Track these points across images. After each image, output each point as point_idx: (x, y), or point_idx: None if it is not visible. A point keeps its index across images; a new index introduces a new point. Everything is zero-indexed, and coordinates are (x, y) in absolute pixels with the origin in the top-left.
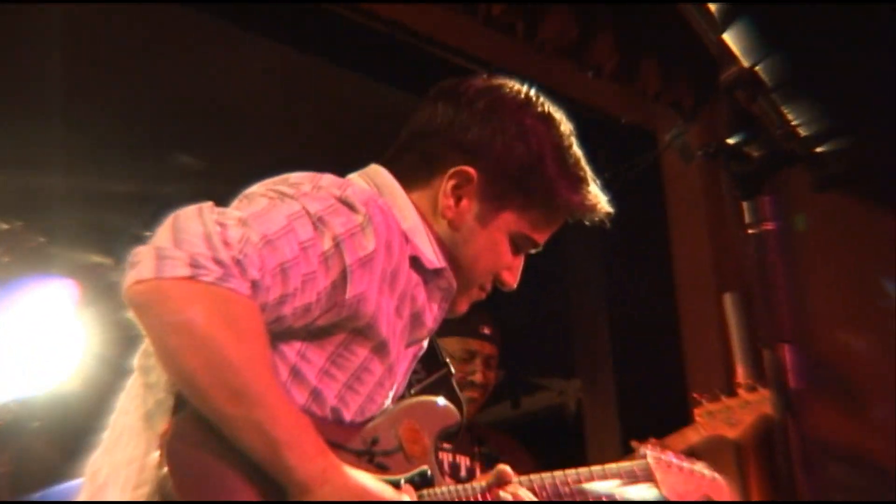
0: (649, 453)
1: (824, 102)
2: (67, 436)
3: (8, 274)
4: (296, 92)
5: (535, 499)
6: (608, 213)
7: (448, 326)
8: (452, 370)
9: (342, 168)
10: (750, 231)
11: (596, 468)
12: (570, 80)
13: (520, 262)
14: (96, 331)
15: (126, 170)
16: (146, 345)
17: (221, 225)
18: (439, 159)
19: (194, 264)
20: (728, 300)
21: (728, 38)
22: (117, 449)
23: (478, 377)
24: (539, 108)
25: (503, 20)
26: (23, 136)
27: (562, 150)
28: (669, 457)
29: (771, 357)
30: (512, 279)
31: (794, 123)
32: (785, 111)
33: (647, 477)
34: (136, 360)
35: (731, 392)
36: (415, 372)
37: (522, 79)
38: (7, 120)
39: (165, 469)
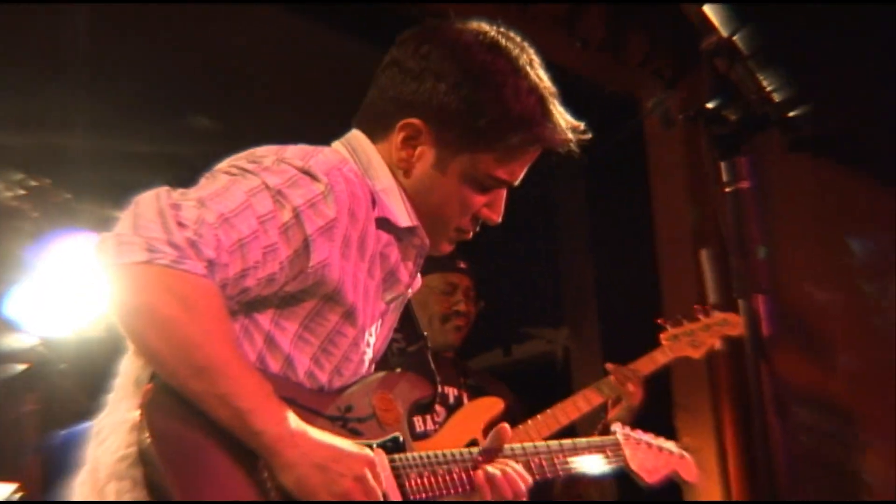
0: (619, 431)
1: (794, 70)
2: (92, 377)
3: (37, 228)
4: (308, 56)
5: (524, 475)
6: (574, 129)
7: (428, 264)
8: (429, 343)
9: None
10: (727, 189)
11: (567, 443)
12: (559, 50)
13: (499, 198)
14: None
15: (146, 130)
16: None
17: (176, 207)
18: (389, 115)
19: (150, 248)
20: (704, 255)
21: (708, 9)
22: (116, 410)
23: (461, 307)
24: (484, 46)
25: None
26: (50, 99)
27: (510, 86)
28: (639, 434)
29: (745, 307)
30: (494, 215)
31: (768, 89)
32: (760, 78)
33: (617, 453)
34: None
35: (692, 317)
36: (394, 340)
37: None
38: (35, 83)
39: (146, 433)
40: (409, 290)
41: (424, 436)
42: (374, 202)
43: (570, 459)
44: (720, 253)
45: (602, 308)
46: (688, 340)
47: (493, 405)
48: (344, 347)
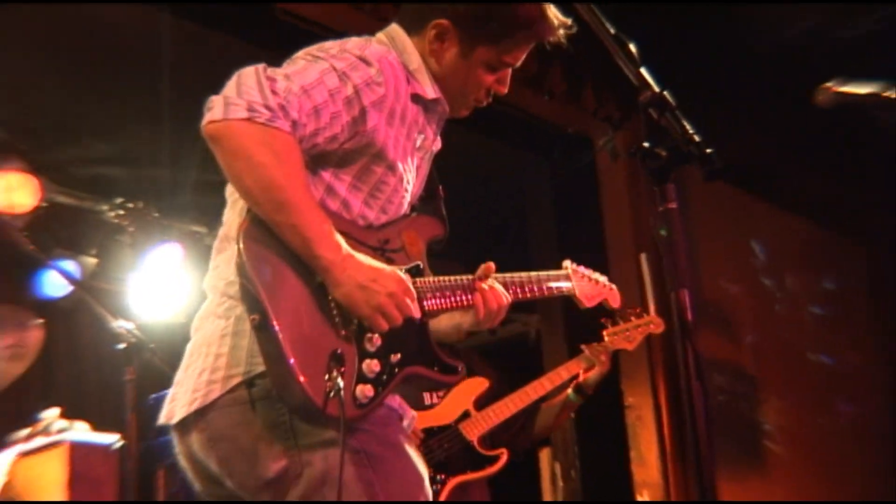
0: (568, 264)
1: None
2: (173, 354)
3: (134, 240)
4: None
5: (505, 293)
6: (563, 26)
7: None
8: (442, 193)
9: None
10: (659, 209)
11: (533, 275)
12: (531, 101)
13: (505, 76)
14: (195, 278)
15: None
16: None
17: (271, 79)
18: (425, 16)
19: (251, 109)
20: (643, 259)
21: (644, 71)
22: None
23: None
24: None
25: None
26: (142, 141)
27: None
28: (582, 269)
29: (674, 299)
30: (502, 88)
31: (690, 133)
32: (684, 124)
33: (567, 279)
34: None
35: (626, 318)
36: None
37: (495, 101)
38: (131, 128)
39: (241, 253)
40: (434, 147)
41: (432, 407)
42: (408, 81)
43: (536, 285)
44: (655, 257)
45: (566, 300)
46: (623, 336)
47: (480, 384)
48: (387, 193)
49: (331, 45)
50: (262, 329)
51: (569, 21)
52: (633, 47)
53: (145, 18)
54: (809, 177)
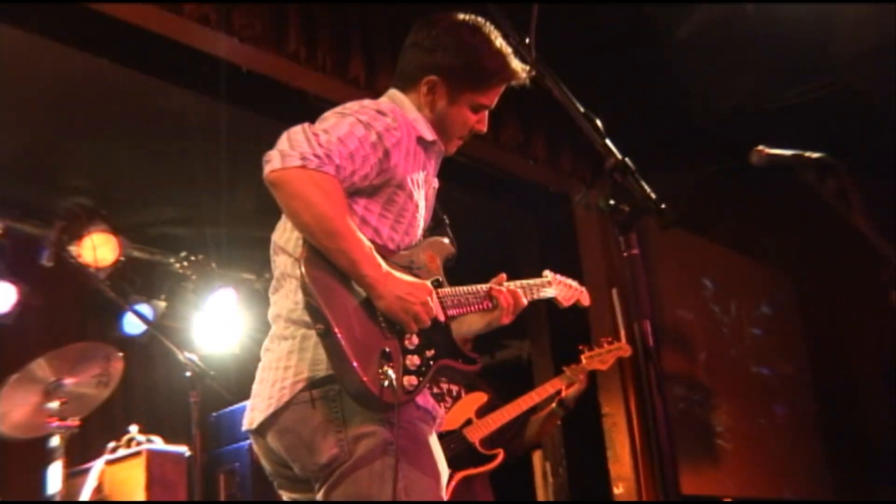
0: (548, 273)
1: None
2: (231, 381)
3: (196, 286)
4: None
5: (521, 297)
6: (528, 75)
7: None
8: (447, 221)
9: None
10: (625, 254)
11: (528, 282)
12: (518, 166)
13: (484, 116)
14: (247, 318)
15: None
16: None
17: (315, 134)
18: (417, 76)
19: (303, 158)
20: (614, 293)
21: (608, 142)
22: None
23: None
24: (467, 25)
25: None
26: (201, 203)
27: (487, 48)
28: (559, 277)
29: (637, 327)
30: (482, 127)
31: (648, 191)
32: (642, 184)
33: (550, 285)
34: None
35: (600, 345)
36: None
37: (489, 166)
38: (190, 192)
39: (304, 275)
40: (435, 183)
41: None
42: (413, 127)
43: (530, 291)
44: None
45: (552, 328)
46: (598, 358)
47: (480, 397)
48: (408, 218)
49: (351, 105)
50: (327, 336)
51: (528, 67)
52: (598, 122)
53: (205, 106)
54: (747, 223)
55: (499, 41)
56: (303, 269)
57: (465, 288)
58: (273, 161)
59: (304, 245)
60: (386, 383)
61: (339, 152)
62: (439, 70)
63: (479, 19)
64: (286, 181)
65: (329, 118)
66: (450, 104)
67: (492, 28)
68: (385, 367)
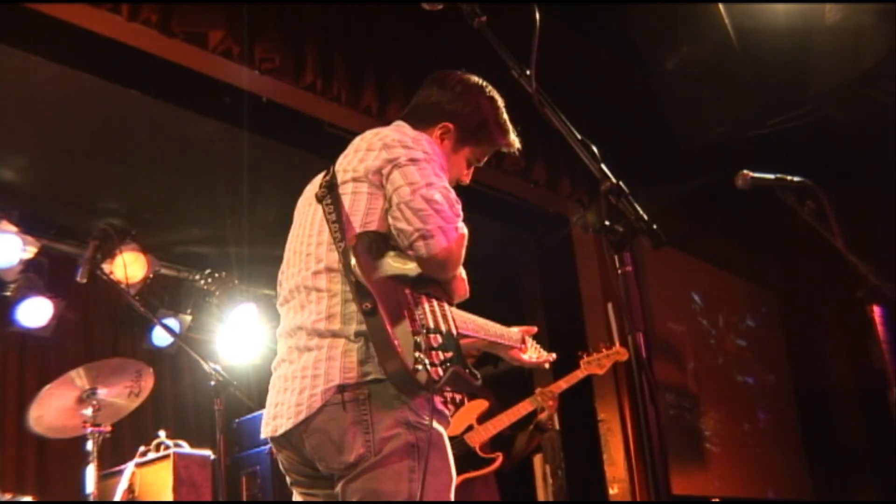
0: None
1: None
2: (252, 390)
3: (219, 301)
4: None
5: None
6: (518, 149)
7: None
8: None
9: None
10: (619, 271)
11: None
12: (520, 189)
13: (471, 172)
14: (268, 331)
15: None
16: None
17: (439, 193)
18: (432, 118)
19: (456, 223)
20: (609, 308)
21: (603, 166)
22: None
23: (473, 351)
24: (487, 92)
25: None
26: (225, 224)
27: (498, 116)
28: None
29: (631, 338)
30: (467, 180)
31: (640, 212)
32: (635, 206)
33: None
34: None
35: (599, 349)
36: None
37: (493, 189)
38: (214, 214)
39: (353, 259)
40: None
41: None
42: None
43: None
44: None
45: (551, 339)
46: (596, 363)
47: (481, 404)
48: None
49: (417, 141)
50: (372, 314)
51: (518, 143)
52: (594, 149)
53: (229, 133)
54: (733, 241)
55: (505, 115)
56: (354, 258)
57: (481, 320)
58: (436, 238)
59: (357, 242)
60: (420, 367)
61: (452, 199)
62: (455, 119)
63: (496, 93)
64: (452, 252)
65: (407, 166)
66: (453, 152)
67: (503, 103)
68: (419, 354)
